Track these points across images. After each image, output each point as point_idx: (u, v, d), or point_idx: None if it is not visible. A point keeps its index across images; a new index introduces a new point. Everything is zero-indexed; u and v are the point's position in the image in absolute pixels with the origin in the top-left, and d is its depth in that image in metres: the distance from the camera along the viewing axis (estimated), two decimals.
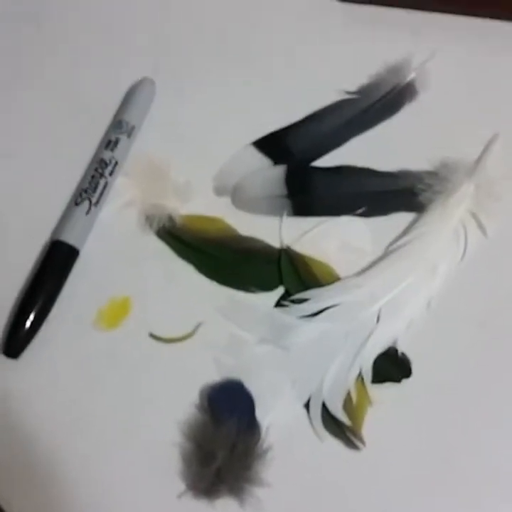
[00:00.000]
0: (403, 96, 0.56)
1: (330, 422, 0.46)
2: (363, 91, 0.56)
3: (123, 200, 0.51)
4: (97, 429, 0.46)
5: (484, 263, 0.50)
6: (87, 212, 0.49)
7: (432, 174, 0.52)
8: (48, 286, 0.48)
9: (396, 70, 0.56)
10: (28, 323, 0.46)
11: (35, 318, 0.47)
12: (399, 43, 0.57)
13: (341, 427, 0.45)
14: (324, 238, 0.51)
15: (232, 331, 0.48)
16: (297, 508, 0.44)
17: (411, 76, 0.56)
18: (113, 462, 0.45)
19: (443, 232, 0.51)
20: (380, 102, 0.55)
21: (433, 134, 0.54)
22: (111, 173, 0.51)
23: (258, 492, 0.43)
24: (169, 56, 0.57)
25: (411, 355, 0.47)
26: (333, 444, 0.45)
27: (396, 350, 0.47)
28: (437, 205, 0.51)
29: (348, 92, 0.56)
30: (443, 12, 0.58)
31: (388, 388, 0.47)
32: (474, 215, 0.51)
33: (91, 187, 0.50)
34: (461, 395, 0.47)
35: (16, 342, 0.47)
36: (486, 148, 0.53)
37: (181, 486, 0.44)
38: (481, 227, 0.51)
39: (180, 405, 0.46)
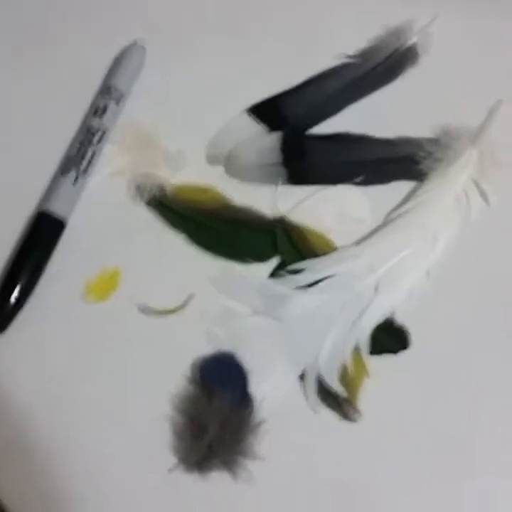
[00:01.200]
0: (404, 60, 0.54)
1: (325, 393, 0.45)
2: (363, 55, 0.54)
3: (112, 169, 0.50)
4: (87, 403, 0.45)
5: (486, 232, 0.49)
6: (75, 182, 0.48)
7: (433, 141, 0.51)
8: (34, 258, 0.47)
9: (397, 33, 0.55)
10: (13, 297, 0.45)
11: (21, 291, 0.46)
12: (400, 6, 0.55)
13: (337, 398, 0.45)
14: (321, 207, 0.50)
15: (225, 303, 0.47)
16: (291, 481, 0.43)
17: (412, 40, 0.54)
18: (103, 437, 0.44)
19: (444, 200, 0.49)
20: (380, 66, 0.54)
21: (434, 100, 0.53)
22: (99, 141, 0.49)
23: (251, 465, 0.42)
24: (161, 20, 0.56)
25: (409, 326, 0.47)
26: (327, 416, 0.45)
27: (394, 321, 0.47)
28: (438, 172, 0.50)
29: (348, 56, 0.54)
30: None
31: (386, 360, 0.46)
32: (476, 183, 0.50)
33: (78, 156, 0.49)
34: (460, 367, 0.46)
35: (2, 316, 0.46)
36: (490, 115, 0.52)
37: (173, 460, 0.43)
38: (483, 195, 0.50)
39: (172, 378, 0.45)
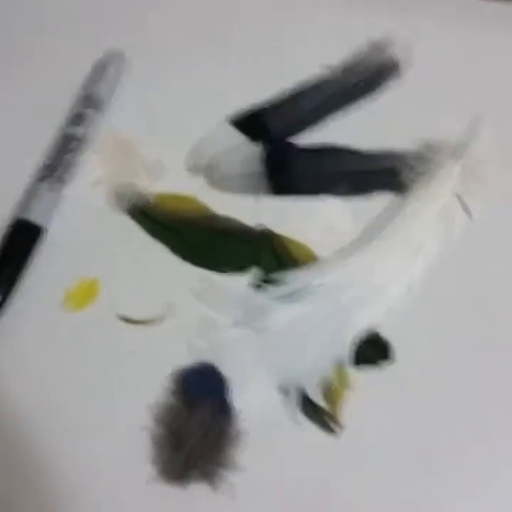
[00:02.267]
0: (386, 74, 0.54)
1: (307, 405, 0.44)
2: (345, 68, 0.54)
3: (92, 178, 0.50)
4: (67, 413, 0.44)
5: (469, 246, 0.49)
6: (52, 189, 0.48)
7: (415, 154, 0.51)
8: (12, 266, 0.46)
9: (380, 46, 0.55)
10: None
11: None
12: (383, 20, 0.56)
13: (318, 411, 0.44)
14: (303, 218, 0.50)
15: (206, 313, 0.47)
16: (271, 493, 0.43)
17: (395, 53, 0.54)
18: (83, 447, 0.44)
19: (426, 213, 0.49)
20: (362, 79, 0.54)
21: (416, 113, 0.53)
22: (77, 149, 0.49)
23: (231, 477, 0.42)
24: (142, 29, 0.56)
25: (392, 339, 0.46)
26: (309, 428, 0.44)
27: (376, 333, 0.46)
28: (420, 186, 0.50)
29: (330, 68, 0.54)
30: None
31: (368, 372, 0.45)
32: (459, 197, 0.50)
33: (55, 163, 0.49)
34: (443, 380, 0.46)
35: None
36: (471, 129, 0.52)
37: (153, 471, 0.42)
38: (465, 209, 0.50)
39: (152, 389, 0.44)
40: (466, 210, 0.50)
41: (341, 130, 0.52)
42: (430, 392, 0.45)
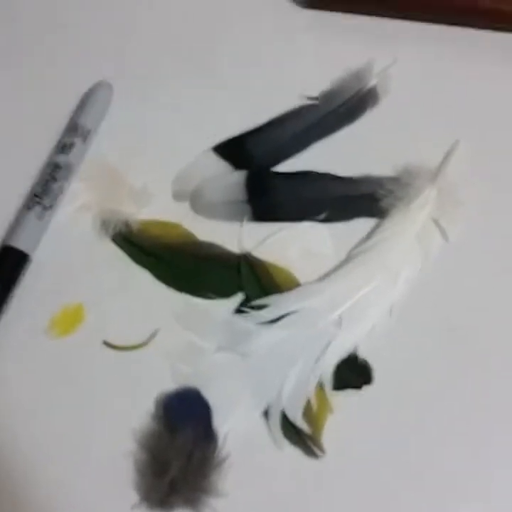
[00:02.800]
0: (365, 101, 0.55)
1: (289, 429, 0.45)
2: (325, 96, 0.55)
3: (77, 205, 0.50)
4: (50, 437, 0.44)
5: (446, 268, 0.50)
6: (40, 217, 0.48)
7: (394, 180, 0.52)
8: None
9: (358, 75, 0.55)
10: None
11: None
12: (361, 49, 0.56)
13: (301, 434, 0.45)
14: (285, 244, 0.51)
15: (190, 339, 0.47)
16: None
17: (373, 82, 0.55)
18: (66, 471, 0.44)
19: (405, 237, 0.50)
20: (341, 107, 0.55)
21: (395, 140, 0.54)
22: (65, 178, 0.50)
23: (214, 502, 0.42)
24: (128, 59, 0.56)
25: (372, 362, 0.47)
26: (292, 452, 0.44)
27: (357, 357, 0.47)
28: (399, 210, 0.51)
29: (310, 98, 0.55)
30: (404, 19, 0.58)
31: (349, 395, 0.46)
32: (436, 221, 0.51)
33: (43, 191, 0.49)
34: (423, 402, 0.46)
35: None
36: (448, 154, 0.53)
37: (136, 497, 0.43)
38: (442, 232, 0.51)
39: (135, 414, 0.45)
40: (443, 233, 0.51)
41: (321, 156, 0.53)
42: (412, 415, 0.46)
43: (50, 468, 0.44)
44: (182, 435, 0.42)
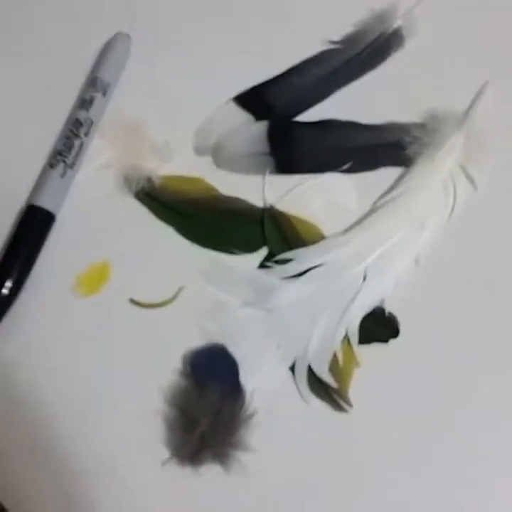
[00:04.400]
0: (389, 44, 0.54)
1: (316, 384, 0.45)
2: (348, 40, 0.54)
3: (99, 162, 0.50)
4: (80, 396, 0.45)
5: (474, 217, 0.49)
6: (63, 176, 0.48)
7: (420, 126, 0.51)
8: (24, 252, 0.47)
9: (382, 17, 0.54)
10: (4, 291, 0.45)
11: (12, 285, 0.46)
12: None
13: (328, 389, 0.45)
14: (309, 196, 0.50)
15: (215, 295, 0.47)
16: (283, 472, 0.44)
17: (397, 23, 0.54)
18: (97, 430, 0.44)
19: (431, 186, 0.49)
20: (365, 51, 0.54)
21: (421, 84, 0.53)
22: (86, 134, 0.49)
23: (243, 457, 0.43)
24: (145, 11, 0.55)
25: (399, 315, 0.47)
26: (319, 406, 0.45)
27: (383, 310, 0.47)
28: (425, 158, 0.50)
29: (332, 42, 0.54)
30: None
31: (375, 349, 0.46)
32: (463, 168, 0.50)
33: (66, 149, 0.49)
34: (449, 354, 0.46)
35: None
36: (476, 98, 0.52)
37: (166, 453, 0.43)
38: (470, 180, 0.50)
39: (163, 371, 0.45)
40: (470, 181, 0.50)
41: (344, 104, 0.52)
42: (438, 367, 0.46)
43: (81, 427, 0.44)
44: (210, 391, 0.43)
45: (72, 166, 0.48)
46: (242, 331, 0.46)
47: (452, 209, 0.49)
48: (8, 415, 0.45)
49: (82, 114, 0.50)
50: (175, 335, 0.46)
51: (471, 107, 0.52)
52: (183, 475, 0.43)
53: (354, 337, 0.46)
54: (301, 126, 0.52)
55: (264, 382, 0.45)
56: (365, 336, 0.46)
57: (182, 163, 0.50)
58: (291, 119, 0.52)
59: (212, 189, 0.50)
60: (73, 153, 0.49)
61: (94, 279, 0.47)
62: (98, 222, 0.49)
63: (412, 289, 0.47)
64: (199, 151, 0.51)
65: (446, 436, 0.45)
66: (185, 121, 0.51)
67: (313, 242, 0.48)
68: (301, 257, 0.47)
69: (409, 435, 0.45)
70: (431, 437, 0.45)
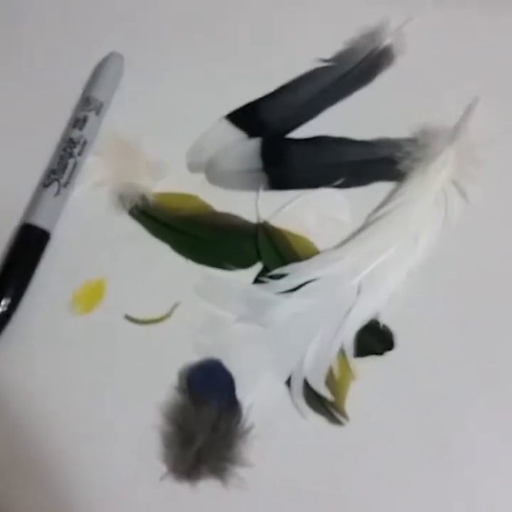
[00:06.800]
0: (380, 61, 0.55)
1: (312, 398, 0.45)
2: (339, 58, 0.55)
3: (94, 180, 0.50)
4: (76, 413, 0.45)
5: (467, 230, 0.50)
6: (57, 194, 0.48)
7: (412, 141, 0.51)
8: (20, 271, 0.47)
9: (372, 35, 0.55)
10: (1, 309, 0.45)
11: (8, 304, 0.46)
12: (375, 8, 0.55)
13: (324, 402, 0.45)
14: (302, 211, 0.50)
15: (210, 311, 0.47)
16: (281, 486, 0.43)
17: (388, 41, 0.55)
18: (93, 446, 0.44)
19: (424, 200, 0.50)
20: (356, 68, 0.54)
21: (411, 100, 0.53)
22: (80, 153, 0.50)
23: (241, 472, 0.42)
24: (138, 31, 0.56)
25: (394, 327, 0.47)
26: (316, 420, 0.45)
27: (378, 323, 0.47)
28: (417, 172, 0.50)
29: (324, 60, 0.55)
30: None
31: (371, 361, 0.46)
32: (455, 182, 0.50)
33: (60, 168, 0.49)
34: (445, 366, 0.46)
35: None
36: (466, 113, 0.52)
37: (163, 469, 0.43)
38: (462, 193, 0.50)
39: (160, 387, 0.45)
40: (463, 194, 0.50)
41: (337, 121, 0.53)
42: (435, 379, 0.46)
43: (77, 444, 0.44)
44: (207, 406, 0.43)
45: (66, 184, 0.49)
46: (238, 346, 0.46)
47: (445, 222, 0.49)
48: (5, 432, 0.45)
49: (75, 133, 0.50)
50: (171, 351, 0.46)
51: (461, 121, 0.52)
52: (181, 490, 0.43)
53: (350, 350, 0.46)
54: (294, 143, 0.52)
55: (261, 396, 0.45)
56: (361, 349, 0.46)
57: (176, 181, 0.50)
58: (283, 136, 0.52)
59: (206, 206, 0.50)
60: (67, 172, 0.49)
61: (90, 296, 0.47)
62: (93, 240, 0.49)
63: (407, 301, 0.47)
64: (193, 168, 0.51)
65: (443, 448, 0.45)
66: (178, 139, 0.52)
67: (308, 257, 0.48)
68: (296, 272, 0.48)
69: (406, 447, 0.44)
70: (428, 449, 0.44)
